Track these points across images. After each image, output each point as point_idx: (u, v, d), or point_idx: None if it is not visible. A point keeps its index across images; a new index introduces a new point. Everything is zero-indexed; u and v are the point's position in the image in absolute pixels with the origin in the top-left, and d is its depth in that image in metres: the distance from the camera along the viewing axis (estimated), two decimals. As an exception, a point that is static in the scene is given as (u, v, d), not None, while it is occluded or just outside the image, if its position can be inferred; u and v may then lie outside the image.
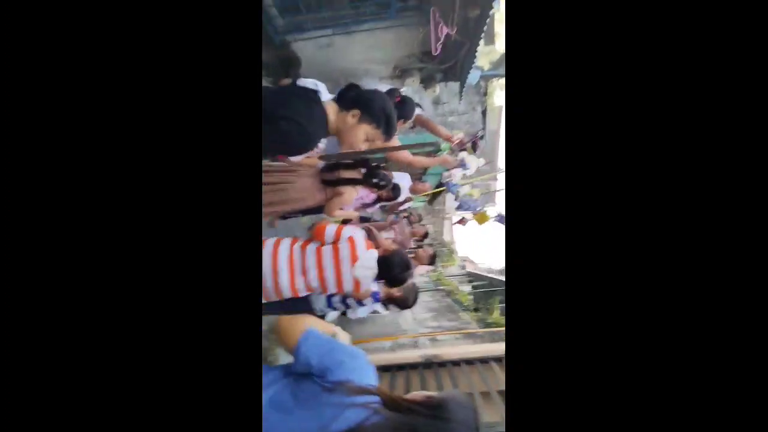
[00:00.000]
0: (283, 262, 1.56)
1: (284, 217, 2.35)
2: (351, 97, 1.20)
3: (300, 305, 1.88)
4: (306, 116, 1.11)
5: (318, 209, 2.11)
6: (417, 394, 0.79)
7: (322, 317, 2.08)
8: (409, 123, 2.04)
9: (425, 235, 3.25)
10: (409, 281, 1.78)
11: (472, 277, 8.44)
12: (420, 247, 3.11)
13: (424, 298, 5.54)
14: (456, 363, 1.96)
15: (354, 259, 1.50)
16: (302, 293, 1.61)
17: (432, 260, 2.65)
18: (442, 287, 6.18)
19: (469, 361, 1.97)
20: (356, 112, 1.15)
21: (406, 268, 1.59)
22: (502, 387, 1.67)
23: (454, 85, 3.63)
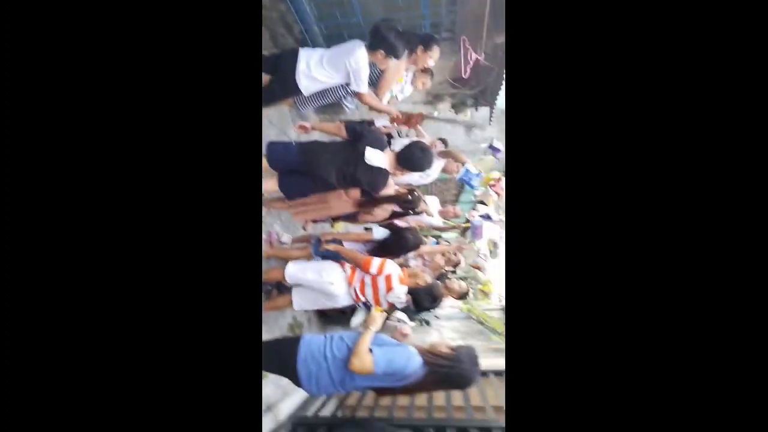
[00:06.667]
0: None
1: (315, 221, 2.50)
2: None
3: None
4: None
5: (346, 216, 2.22)
6: (442, 346, 1.43)
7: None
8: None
9: (457, 264, 3.24)
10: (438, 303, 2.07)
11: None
12: (453, 272, 3.08)
13: (452, 323, 5.33)
14: (484, 374, 1.90)
15: (389, 289, 1.90)
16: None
17: (463, 297, 2.67)
18: (473, 317, 5.92)
19: (499, 373, 1.90)
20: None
21: (433, 300, 1.93)
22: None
23: (486, 111, 3.75)
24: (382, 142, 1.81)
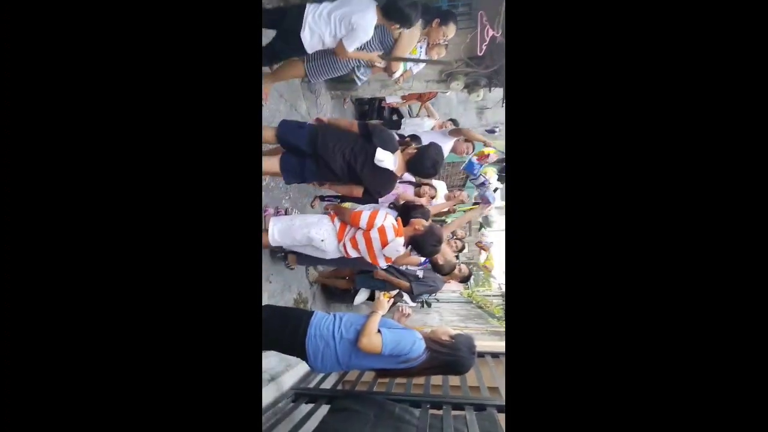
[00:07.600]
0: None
1: (323, 198, 2.50)
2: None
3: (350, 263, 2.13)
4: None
5: (355, 199, 2.20)
6: (442, 334, 1.48)
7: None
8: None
9: (461, 249, 3.25)
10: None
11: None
12: (457, 257, 3.11)
13: (453, 306, 5.42)
14: (481, 355, 1.94)
15: (384, 244, 1.76)
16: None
17: (465, 280, 2.67)
18: (474, 302, 6.02)
19: (495, 354, 1.94)
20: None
21: (437, 242, 1.80)
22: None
23: (499, 92, 3.64)
24: (395, 144, 1.73)
